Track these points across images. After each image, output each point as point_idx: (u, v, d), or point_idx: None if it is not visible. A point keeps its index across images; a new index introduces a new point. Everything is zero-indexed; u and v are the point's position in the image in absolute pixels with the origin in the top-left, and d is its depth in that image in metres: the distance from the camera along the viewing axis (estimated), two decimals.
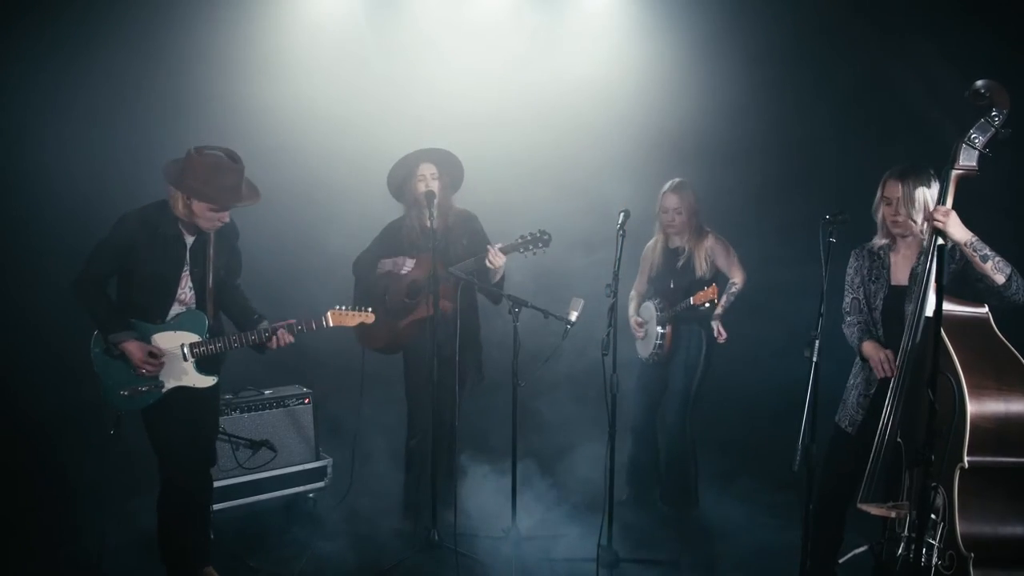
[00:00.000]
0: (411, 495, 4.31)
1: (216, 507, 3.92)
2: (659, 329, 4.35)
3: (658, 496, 4.64)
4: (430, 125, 5.06)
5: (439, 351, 3.93)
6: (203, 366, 3.44)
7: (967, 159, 2.74)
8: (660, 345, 4.37)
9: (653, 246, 4.56)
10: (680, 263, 4.39)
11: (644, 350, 4.54)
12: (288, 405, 4.57)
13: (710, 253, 4.38)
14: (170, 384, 3.38)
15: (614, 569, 3.73)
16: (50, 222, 4.59)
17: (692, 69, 5.50)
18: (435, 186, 4.10)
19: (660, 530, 4.36)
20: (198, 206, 3.24)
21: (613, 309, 3.76)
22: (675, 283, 4.39)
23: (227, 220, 3.37)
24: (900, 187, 3.14)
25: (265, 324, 3.52)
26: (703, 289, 4.14)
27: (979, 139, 2.73)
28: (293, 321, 3.51)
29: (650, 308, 4.44)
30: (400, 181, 4.22)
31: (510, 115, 5.53)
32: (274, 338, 3.47)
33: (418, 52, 5.54)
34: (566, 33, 5.76)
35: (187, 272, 3.38)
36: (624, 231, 3.78)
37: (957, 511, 2.66)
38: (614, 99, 5.63)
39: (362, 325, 3.69)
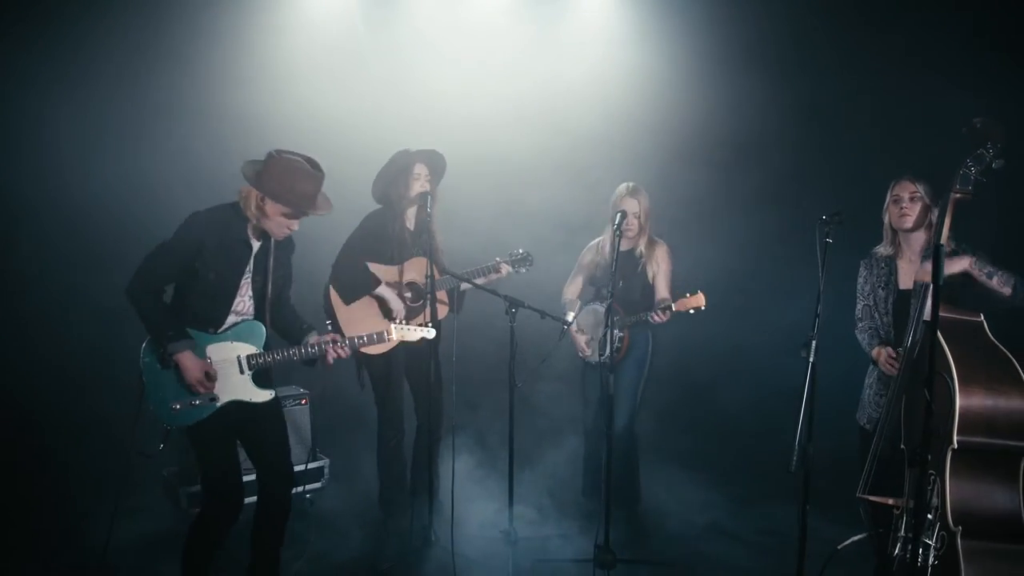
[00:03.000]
0: (389, 493, 4.29)
1: None
2: (618, 332, 4.17)
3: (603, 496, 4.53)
4: (426, 125, 5.06)
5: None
6: (259, 380, 3.26)
7: (964, 184, 3.05)
8: (617, 348, 4.18)
9: (598, 248, 4.43)
10: (638, 267, 4.31)
11: (597, 353, 4.27)
12: (285, 406, 4.54)
13: (659, 261, 4.31)
14: (225, 398, 3.18)
15: (611, 569, 3.73)
16: (49, 223, 4.61)
17: (688, 71, 5.51)
18: (427, 187, 4.05)
19: (651, 530, 4.36)
20: (272, 208, 3.10)
21: (610, 310, 3.75)
22: (625, 284, 4.26)
23: (295, 229, 3.20)
24: (911, 184, 3.49)
25: (314, 337, 3.35)
26: (685, 296, 4.05)
27: (975, 168, 3.04)
28: (337, 338, 3.33)
29: (598, 311, 4.29)
30: (389, 181, 4.10)
31: (506, 115, 5.53)
32: (327, 355, 3.31)
33: (414, 52, 5.54)
34: (562, 34, 5.77)
35: (248, 280, 3.21)
36: (620, 232, 3.81)
37: (948, 488, 2.85)
38: (610, 100, 5.64)
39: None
